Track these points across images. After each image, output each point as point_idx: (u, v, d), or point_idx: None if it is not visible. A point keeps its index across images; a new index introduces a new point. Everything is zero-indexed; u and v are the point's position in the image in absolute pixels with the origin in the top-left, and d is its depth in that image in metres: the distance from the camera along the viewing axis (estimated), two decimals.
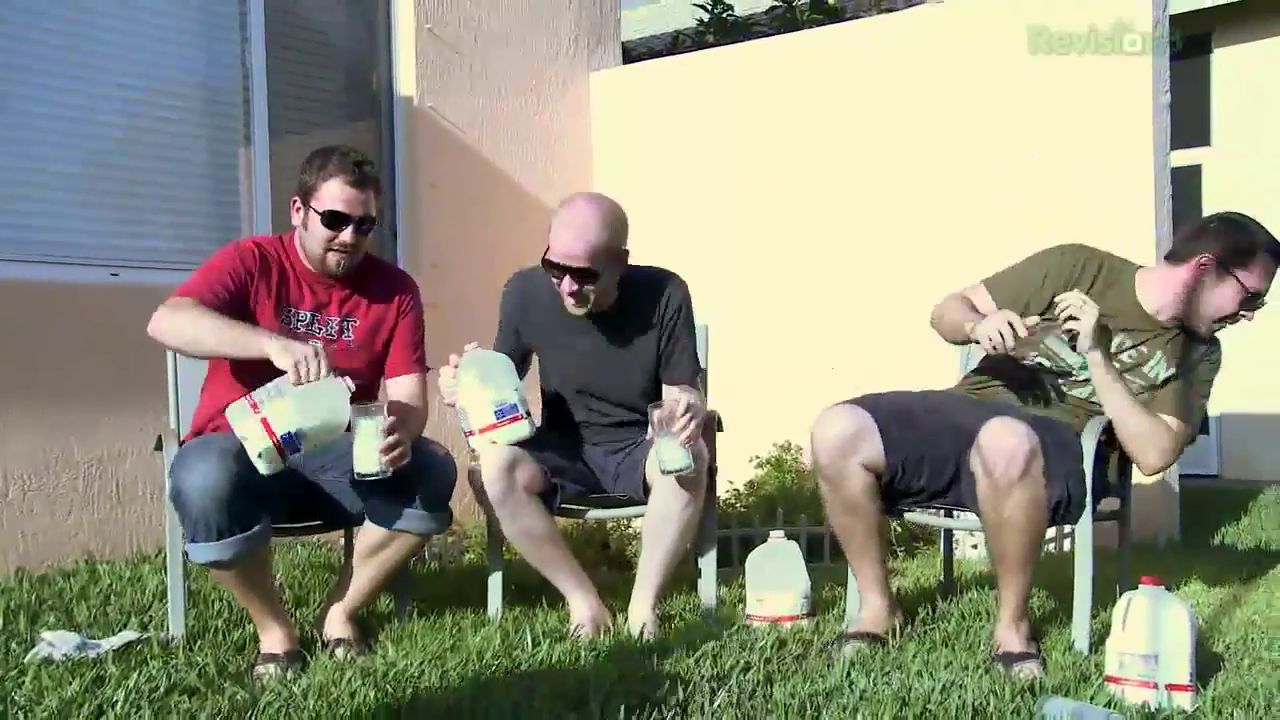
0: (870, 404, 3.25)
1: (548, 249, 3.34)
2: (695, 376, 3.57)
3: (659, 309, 3.50)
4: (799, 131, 5.94)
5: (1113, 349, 3.28)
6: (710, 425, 3.50)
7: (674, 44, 8.95)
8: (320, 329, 3.24)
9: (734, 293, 5.84)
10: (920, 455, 3.21)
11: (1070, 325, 3.13)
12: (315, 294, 3.26)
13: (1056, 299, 3.18)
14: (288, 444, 2.84)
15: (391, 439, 2.99)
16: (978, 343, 3.18)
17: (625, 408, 3.53)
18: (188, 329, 3.00)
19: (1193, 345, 3.33)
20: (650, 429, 3.23)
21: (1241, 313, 3.30)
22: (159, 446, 3.28)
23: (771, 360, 5.88)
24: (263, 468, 2.86)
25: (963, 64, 5.37)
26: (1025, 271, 3.42)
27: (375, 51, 5.63)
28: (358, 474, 3.01)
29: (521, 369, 3.54)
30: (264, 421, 2.84)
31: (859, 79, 5.74)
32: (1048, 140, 5.15)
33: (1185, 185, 6.09)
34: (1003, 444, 2.94)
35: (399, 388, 3.37)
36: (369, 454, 2.98)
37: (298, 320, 3.22)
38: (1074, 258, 3.39)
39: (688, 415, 3.18)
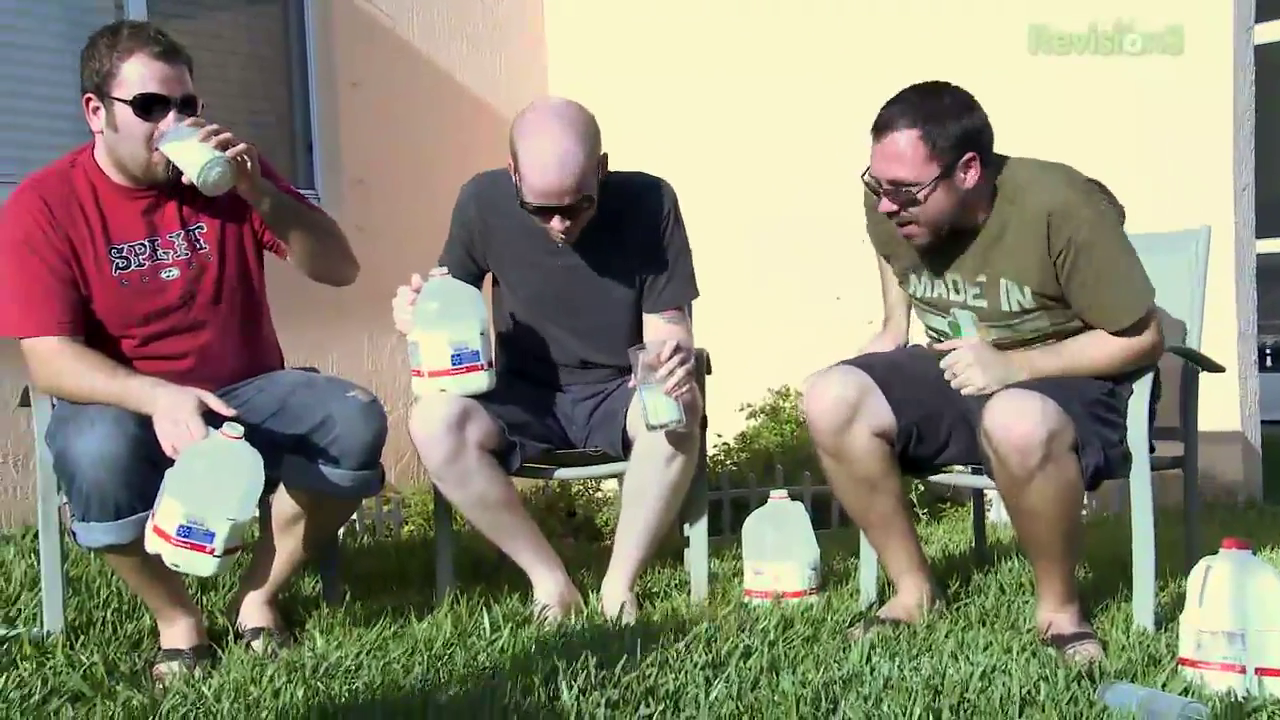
0: (862, 363, 3.21)
1: (518, 186, 3.26)
2: (687, 301, 3.54)
3: (645, 218, 3.46)
4: (798, 13, 5.86)
5: (959, 294, 3.16)
6: (699, 368, 3.46)
7: None
8: (168, 254, 3.11)
9: (719, 210, 5.78)
10: (934, 412, 3.17)
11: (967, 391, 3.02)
12: (144, 213, 3.11)
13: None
14: (197, 538, 2.72)
15: (211, 126, 2.93)
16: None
17: (602, 343, 3.49)
18: (79, 391, 2.94)
19: (1021, 237, 3.03)
20: (633, 376, 3.19)
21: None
22: (24, 402, 3.20)
23: (764, 289, 5.85)
24: (205, 570, 2.77)
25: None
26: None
27: None
28: (198, 180, 2.93)
29: None
30: (156, 530, 2.75)
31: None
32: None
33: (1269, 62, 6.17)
34: (1014, 433, 2.84)
35: None
36: (195, 152, 2.91)
37: (136, 258, 3.08)
38: (869, 223, 3.37)
39: (675, 360, 3.14)
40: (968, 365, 3.00)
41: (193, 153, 2.92)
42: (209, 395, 2.89)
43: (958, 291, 3.16)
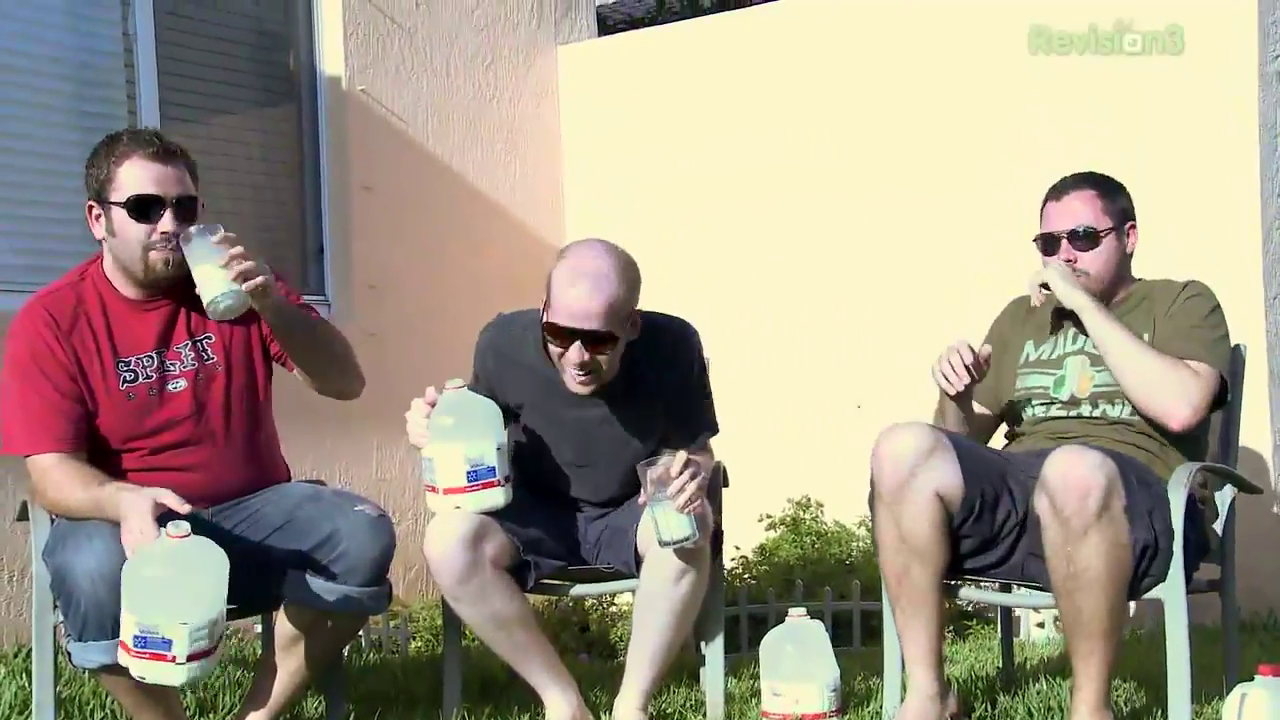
0: (938, 426, 3.27)
1: (546, 308, 3.23)
2: (709, 438, 3.53)
3: (669, 371, 3.43)
4: (814, 119, 5.91)
5: (1075, 344, 3.46)
6: (715, 481, 3.45)
7: (658, 10, 8.96)
8: (175, 365, 3.14)
9: (736, 315, 5.80)
10: (996, 494, 3.17)
11: (1041, 292, 3.41)
12: (152, 325, 3.14)
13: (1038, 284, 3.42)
14: (154, 648, 2.67)
15: (236, 250, 2.93)
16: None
17: (618, 488, 3.48)
18: (66, 505, 2.98)
19: (1147, 307, 3.45)
20: (642, 493, 3.17)
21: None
22: (22, 516, 3.20)
23: (783, 398, 5.83)
24: (175, 679, 2.74)
25: (1014, 27, 5.42)
26: None
27: (293, 20, 5.59)
28: (207, 306, 2.96)
29: None
30: (121, 644, 2.72)
31: (892, 51, 5.74)
32: (1130, 127, 5.20)
33: None
34: (1074, 477, 2.92)
35: None
36: (213, 278, 2.93)
37: (143, 370, 3.11)
38: (1005, 313, 3.73)
39: (686, 475, 3.12)
40: (1052, 269, 3.39)
41: (211, 278, 2.94)
42: (167, 493, 2.85)
43: (1074, 341, 3.46)
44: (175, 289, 3.14)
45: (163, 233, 3.03)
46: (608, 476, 3.49)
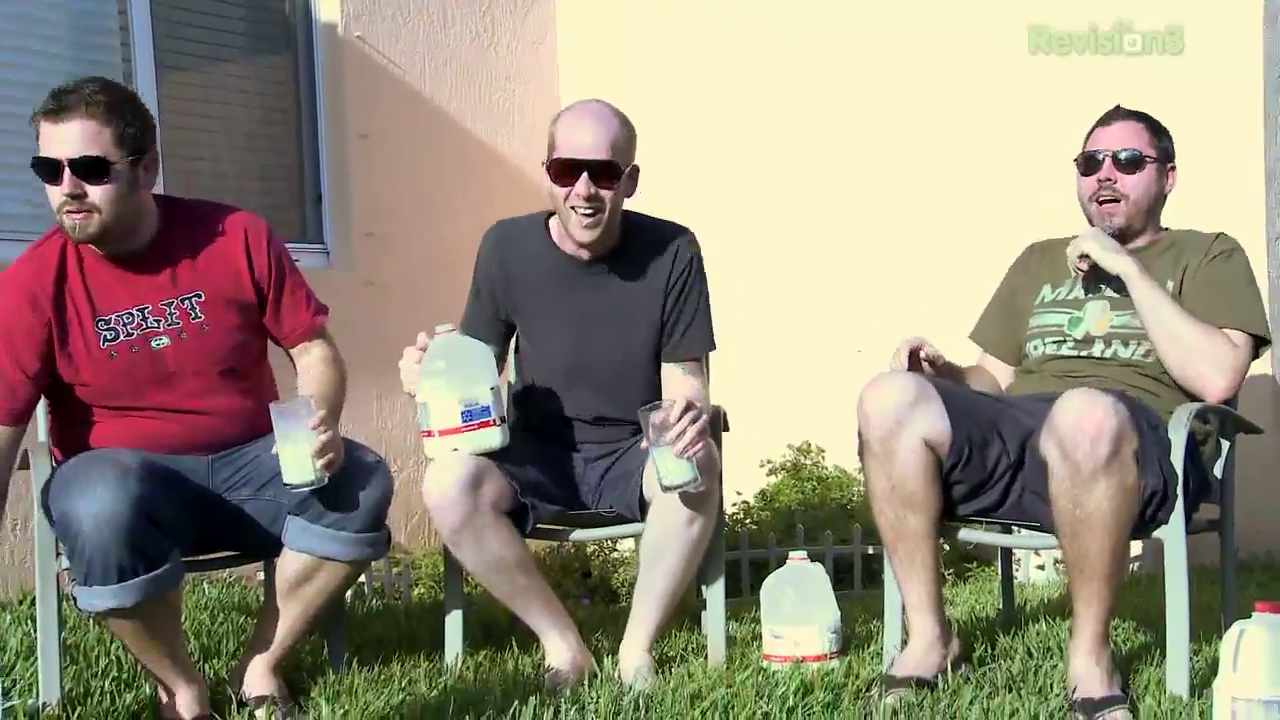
0: (927, 375, 3.27)
1: (551, 153, 3.36)
2: (705, 354, 3.55)
3: (667, 264, 3.49)
4: (818, 66, 5.89)
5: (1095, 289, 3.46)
6: (715, 424, 3.45)
7: None
8: (159, 321, 3.11)
9: (738, 263, 5.75)
10: (985, 438, 3.17)
11: (1081, 264, 3.40)
12: (132, 282, 3.11)
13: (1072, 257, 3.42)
14: None
15: (325, 437, 2.94)
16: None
17: (619, 397, 3.49)
18: None
19: (1174, 255, 3.44)
20: (645, 438, 3.18)
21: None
22: (24, 464, 3.19)
23: (785, 343, 5.84)
24: None
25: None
26: (992, 306, 3.72)
27: None
28: (289, 485, 2.96)
29: (499, 354, 3.50)
30: None
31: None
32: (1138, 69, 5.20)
33: None
34: (1086, 419, 2.89)
35: (309, 356, 3.33)
36: (301, 460, 2.92)
37: (124, 327, 3.09)
38: (1018, 261, 3.71)
39: (686, 419, 3.13)
40: (1091, 238, 3.39)
41: (300, 462, 2.93)
42: None
43: (1095, 284, 3.46)
44: (157, 245, 3.14)
45: (63, 195, 2.96)
46: (607, 380, 3.50)
